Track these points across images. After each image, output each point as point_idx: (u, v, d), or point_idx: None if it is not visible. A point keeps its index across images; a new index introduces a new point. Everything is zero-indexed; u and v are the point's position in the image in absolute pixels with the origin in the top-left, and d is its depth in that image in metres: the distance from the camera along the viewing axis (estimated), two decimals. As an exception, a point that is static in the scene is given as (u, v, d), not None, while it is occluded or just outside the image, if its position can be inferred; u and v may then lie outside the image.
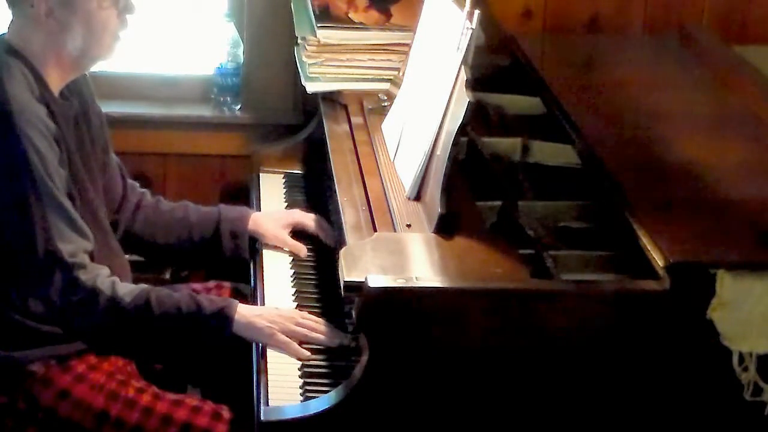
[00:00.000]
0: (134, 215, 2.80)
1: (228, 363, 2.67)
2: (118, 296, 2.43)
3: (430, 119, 2.51)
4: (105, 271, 2.47)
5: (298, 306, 2.56)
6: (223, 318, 2.44)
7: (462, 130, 2.36)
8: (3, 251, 2.45)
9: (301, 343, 2.40)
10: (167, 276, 3.37)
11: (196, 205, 2.87)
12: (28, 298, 2.48)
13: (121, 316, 2.44)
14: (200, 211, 2.85)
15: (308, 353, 2.39)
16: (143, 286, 2.50)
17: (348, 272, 2.21)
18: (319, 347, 2.41)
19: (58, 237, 2.41)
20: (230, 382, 2.64)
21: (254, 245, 2.83)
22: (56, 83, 2.53)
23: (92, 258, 2.47)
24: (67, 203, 2.44)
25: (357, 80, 3.15)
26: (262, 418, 2.21)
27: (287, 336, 2.41)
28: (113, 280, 2.46)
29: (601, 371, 2.21)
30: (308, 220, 2.84)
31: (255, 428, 2.22)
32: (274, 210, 2.95)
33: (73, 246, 2.43)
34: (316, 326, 2.44)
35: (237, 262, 2.83)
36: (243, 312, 2.46)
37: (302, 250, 2.78)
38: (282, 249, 2.79)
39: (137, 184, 2.86)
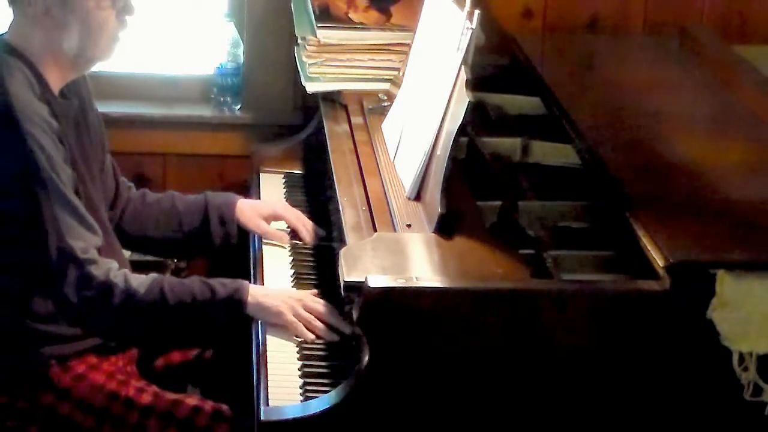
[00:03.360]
0: (123, 210, 2.80)
1: (228, 363, 2.68)
2: (132, 288, 2.44)
3: (430, 119, 2.51)
4: (115, 264, 2.48)
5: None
6: (236, 301, 2.46)
7: (462, 130, 2.36)
8: (8, 250, 2.46)
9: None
10: (167, 276, 3.36)
11: (182, 194, 2.89)
12: (30, 298, 2.48)
13: (136, 308, 2.44)
14: (187, 200, 2.86)
15: (312, 336, 2.41)
16: (154, 275, 2.51)
17: (348, 272, 2.21)
18: (318, 348, 2.41)
19: (69, 234, 2.41)
20: (230, 382, 2.64)
21: (248, 239, 2.84)
22: (56, 83, 2.53)
23: (99, 254, 2.48)
24: (76, 200, 2.45)
25: (357, 80, 3.15)
26: (262, 418, 2.21)
27: (295, 317, 2.43)
28: (125, 273, 2.46)
29: (602, 371, 2.21)
30: (289, 215, 2.86)
31: (255, 428, 2.22)
32: (258, 200, 2.97)
33: (84, 242, 2.43)
34: (321, 310, 2.45)
35: (227, 249, 2.85)
36: (253, 293, 2.48)
37: (284, 238, 2.81)
38: (282, 248, 2.80)
39: (126, 180, 2.86)
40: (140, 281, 2.46)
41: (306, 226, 2.84)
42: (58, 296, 2.44)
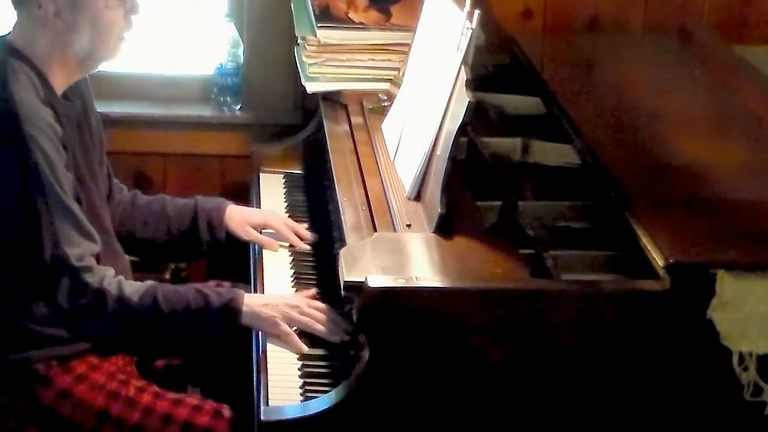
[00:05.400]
0: (114, 212, 2.80)
1: (228, 363, 2.68)
2: (125, 296, 2.44)
3: (430, 119, 2.51)
4: (111, 272, 2.48)
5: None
6: (231, 310, 2.46)
7: (462, 130, 2.36)
8: (7, 254, 2.45)
9: (303, 334, 2.43)
10: (167, 276, 3.36)
11: (173, 198, 2.89)
12: (30, 301, 2.47)
13: (129, 316, 2.45)
14: (177, 204, 2.86)
15: (306, 348, 2.40)
16: (149, 283, 2.51)
17: (348, 272, 2.21)
18: (318, 348, 2.41)
19: (65, 241, 2.41)
20: (230, 382, 2.64)
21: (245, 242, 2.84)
22: (60, 84, 2.53)
23: (98, 260, 2.48)
24: (75, 207, 2.45)
25: (357, 80, 3.15)
26: (262, 417, 2.21)
27: (290, 325, 2.42)
28: (119, 280, 2.46)
29: (602, 371, 2.21)
30: (279, 225, 2.84)
31: (255, 428, 2.22)
32: (249, 208, 2.95)
33: (80, 250, 2.43)
34: (319, 316, 2.45)
35: (214, 253, 2.85)
36: (249, 302, 2.47)
37: (273, 244, 2.79)
38: (283, 249, 2.79)
39: (119, 182, 2.86)
40: (134, 289, 2.46)
41: (299, 233, 2.83)
42: (52, 302, 2.44)
